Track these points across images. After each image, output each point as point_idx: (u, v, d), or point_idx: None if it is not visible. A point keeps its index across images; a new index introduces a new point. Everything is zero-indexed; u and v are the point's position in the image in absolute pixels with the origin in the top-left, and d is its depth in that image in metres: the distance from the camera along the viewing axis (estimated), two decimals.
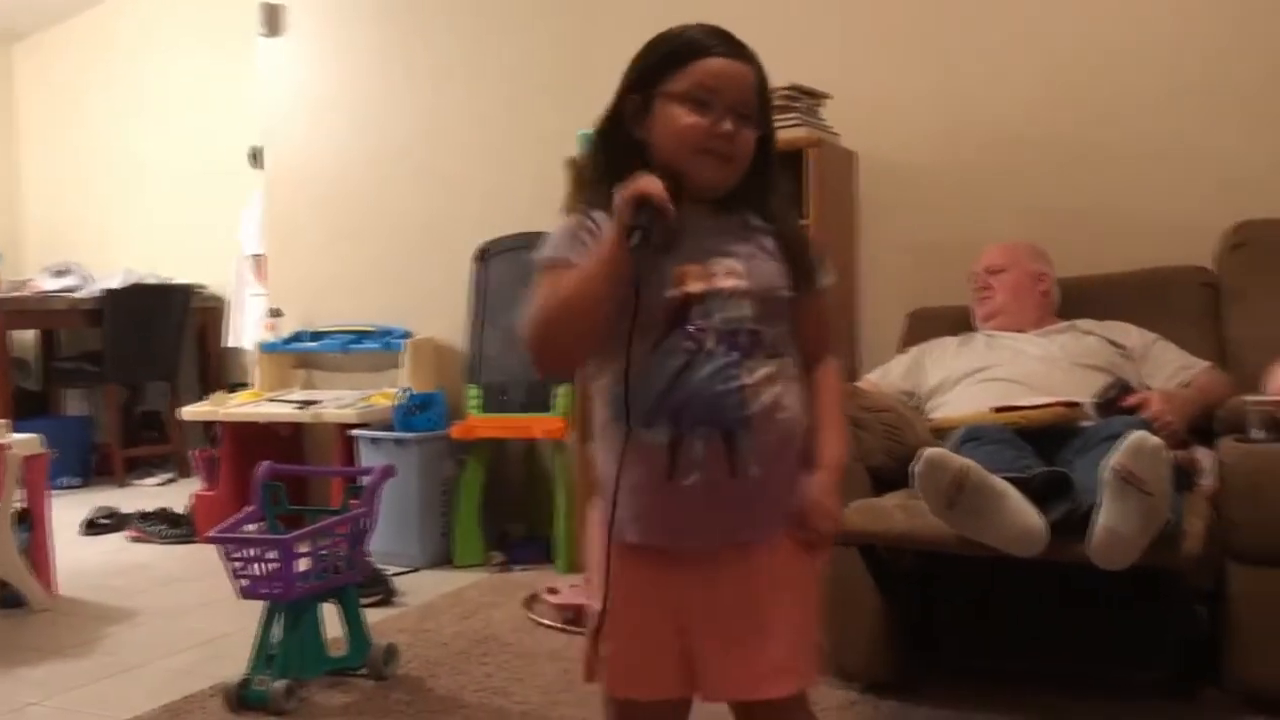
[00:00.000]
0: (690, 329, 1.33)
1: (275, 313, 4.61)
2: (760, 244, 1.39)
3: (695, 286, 1.33)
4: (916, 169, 3.46)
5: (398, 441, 3.79)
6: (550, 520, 3.73)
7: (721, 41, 1.39)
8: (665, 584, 1.39)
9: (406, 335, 4.24)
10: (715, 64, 1.37)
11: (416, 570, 3.72)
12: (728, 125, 1.35)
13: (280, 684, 2.39)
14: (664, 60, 1.39)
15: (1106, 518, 1.90)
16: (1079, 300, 2.97)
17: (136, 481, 5.83)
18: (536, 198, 3.80)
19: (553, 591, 3.10)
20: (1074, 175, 3.28)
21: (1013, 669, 2.47)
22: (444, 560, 3.81)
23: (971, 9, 3.43)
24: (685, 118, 1.36)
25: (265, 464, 2.67)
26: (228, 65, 5.86)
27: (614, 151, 1.41)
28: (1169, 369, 2.68)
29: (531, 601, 3.17)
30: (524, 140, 4.09)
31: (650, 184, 1.29)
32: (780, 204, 1.45)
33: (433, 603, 3.31)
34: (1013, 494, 1.98)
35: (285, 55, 4.66)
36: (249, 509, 2.60)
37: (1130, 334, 2.78)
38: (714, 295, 1.34)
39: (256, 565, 2.43)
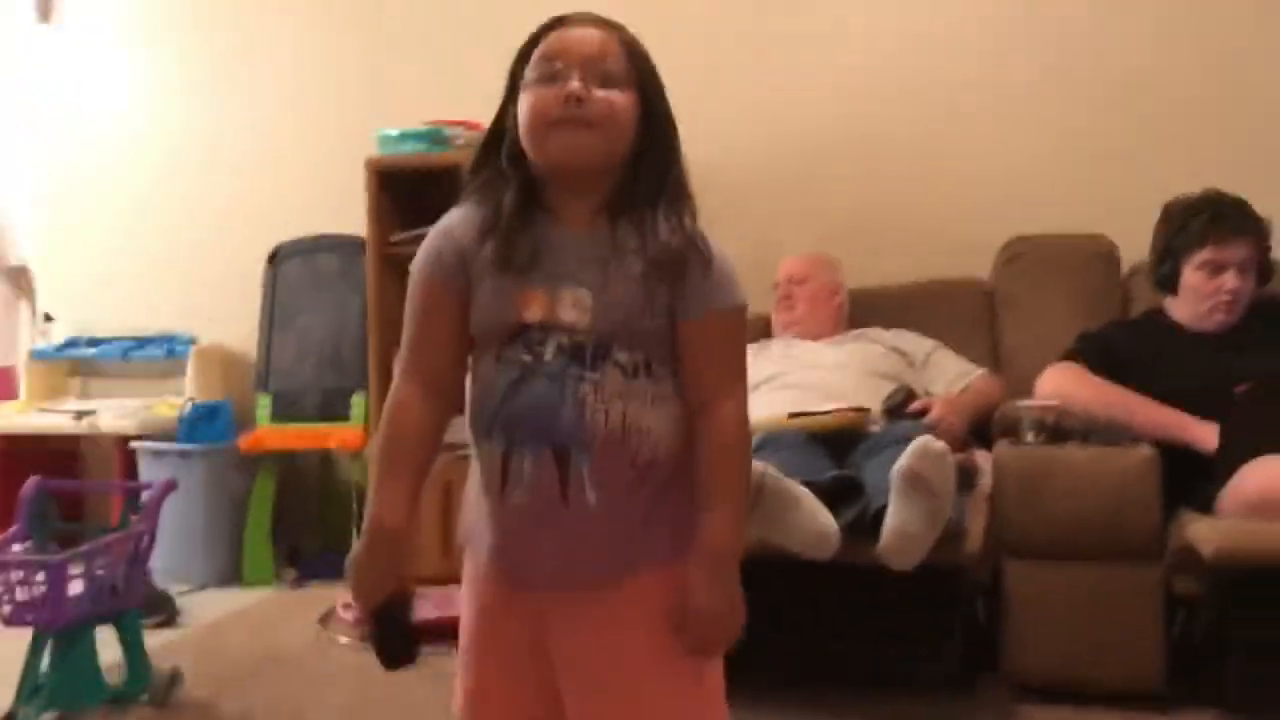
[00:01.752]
0: (529, 341, 1.23)
1: (47, 317, 4.31)
2: (624, 268, 1.23)
3: (533, 316, 1.22)
4: (717, 178, 3.50)
5: (182, 454, 3.60)
6: (348, 534, 3.62)
7: (574, 16, 1.28)
8: (522, 609, 1.28)
9: (192, 341, 4.04)
10: (562, 33, 1.26)
11: (204, 589, 3.54)
12: (575, 84, 1.21)
13: (49, 717, 2.23)
14: (521, 54, 1.29)
15: (896, 518, 1.98)
16: (868, 309, 3.09)
17: None
18: (333, 198, 3.71)
19: (348, 607, 3.00)
20: (866, 189, 3.42)
21: (806, 665, 2.54)
22: (233, 578, 3.64)
23: (771, 23, 3.52)
24: (533, 95, 1.24)
25: (33, 479, 2.49)
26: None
27: (492, 159, 1.29)
28: (949, 375, 2.83)
29: (327, 618, 3.06)
30: (318, 139, 3.95)
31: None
32: (668, 209, 1.26)
33: (220, 622, 3.16)
34: (808, 498, 2.04)
35: (57, 44, 4.36)
36: (13, 528, 2.42)
37: (912, 341, 2.93)
38: (553, 327, 1.22)
39: (21, 589, 2.27)
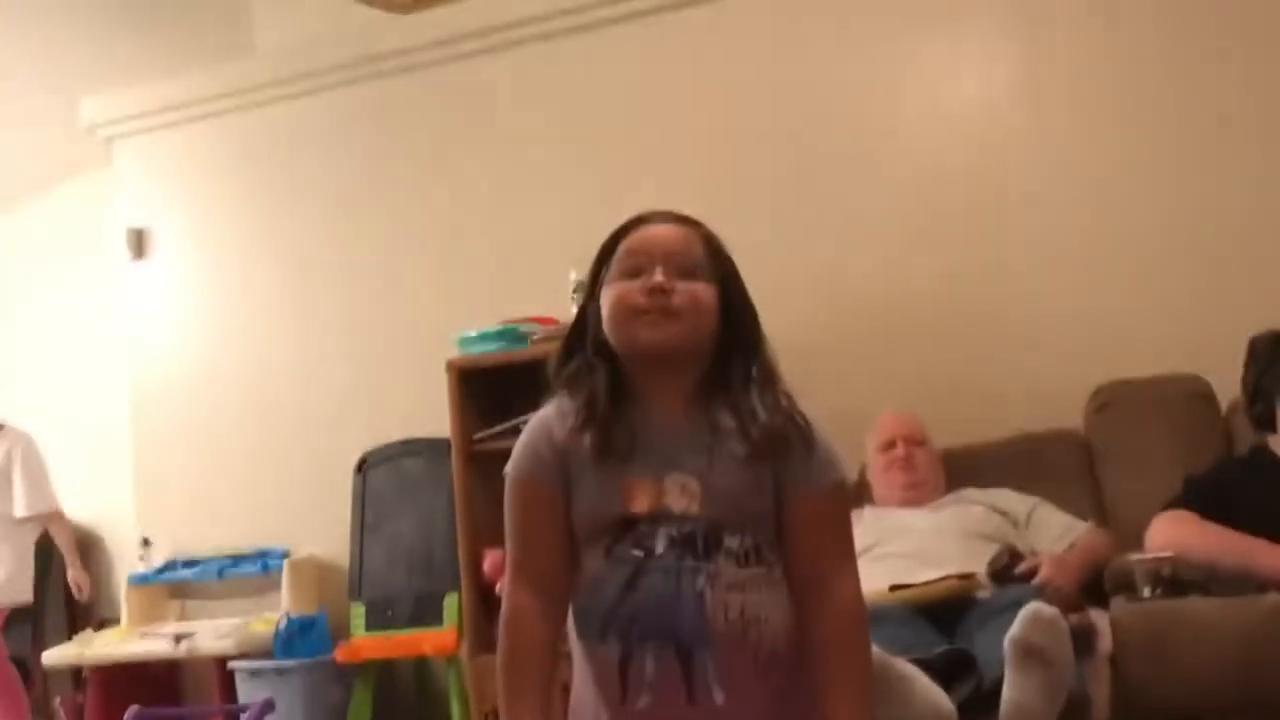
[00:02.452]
0: (639, 533, 1.21)
1: (145, 542, 4.39)
2: (728, 451, 1.23)
3: (641, 507, 1.21)
4: (793, 352, 3.50)
5: (279, 671, 3.58)
6: None
7: (653, 213, 1.34)
8: None
9: (285, 555, 4.07)
10: (643, 230, 1.30)
11: None
12: (659, 276, 1.24)
13: None
14: (602, 254, 1.33)
15: (1012, 691, 1.88)
16: (960, 471, 3.01)
17: None
18: (416, 403, 3.78)
19: None
20: (940, 345, 3.39)
21: None
22: None
23: (831, 185, 3.56)
24: (618, 289, 1.27)
25: (133, 709, 2.50)
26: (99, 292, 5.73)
27: (580, 351, 1.32)
28: (1054, 532, 2.72)
29: None
30: (399, 345, 4.05)
31: None
32: (762, 391, 1.27)
33: None
34: (919, 676, 1.94)
35: (151, 277, 4.59)
36: None
37: (1012, 500, 2.83)
38: (661, 518, 1.21)
39: None
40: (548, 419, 1.31)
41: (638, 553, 1.21)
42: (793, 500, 1.23)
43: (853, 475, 3.03)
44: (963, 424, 3.16)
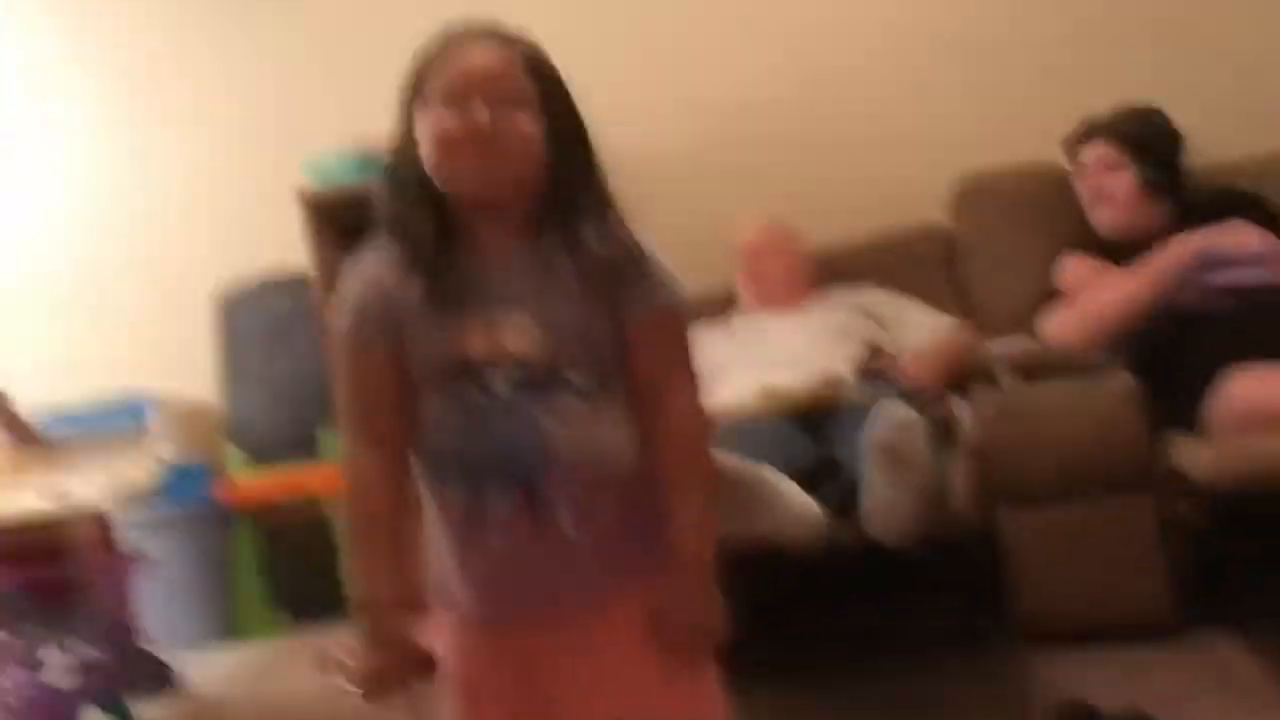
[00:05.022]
0: (476, 377, 1.18)
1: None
2: (561, 286, 1.20)
3: (476, 350, 1.18)
4: (653, 156, 3.43)
5: (163, 522, 3.52)
6: (335, 572, 3.54)
7: (467, 34, 1.23)
8: (511, 649, 1.24)
9: (152, 402, 3.95)
10: (459, 58, 1.21)
11: (202, 649, 3.48)
12: (479, 113, 1.16)
13: None
14: (416, 71, 1.24)
15: (873, 491, 1.92)
16: (826, 270, 3.00)
17: None
18: (275, 233, 3.60)
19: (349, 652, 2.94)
20: (806, 146, 3.33)
21: (810, 650, 2.49)
22: (230, 634, 3.57)
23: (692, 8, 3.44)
24: (440, 122, 1.18)
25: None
26: None
27: (402, 189, 1.23)
28: (921, 330, 2.75)
29: (326, 665, 3.00)
30: (248, 173, 3.85)
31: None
32: (593, 220, 1.22)
33: (220, 679, 3.11)
34: (786, 483, 1.98)
35: None
36: None
37: (880, 299, 2.85)
38: (499, 360, 1.18)
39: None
40: (372, 268, 1.25)
41: (478, 395, 1.18)
42: (628, 325, 1.21)
43: (719, 282, 3.03)
44: (829, 224, 3.14)
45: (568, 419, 1.17)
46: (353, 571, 1.25)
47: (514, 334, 1.18)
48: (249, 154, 3.83)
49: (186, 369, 3.92)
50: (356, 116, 3.38)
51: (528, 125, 1.19)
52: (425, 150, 1.20)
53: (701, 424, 1.25)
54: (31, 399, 4.14)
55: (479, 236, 1.22)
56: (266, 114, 3.80)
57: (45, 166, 4.13)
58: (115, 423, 3.98)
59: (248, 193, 3.80)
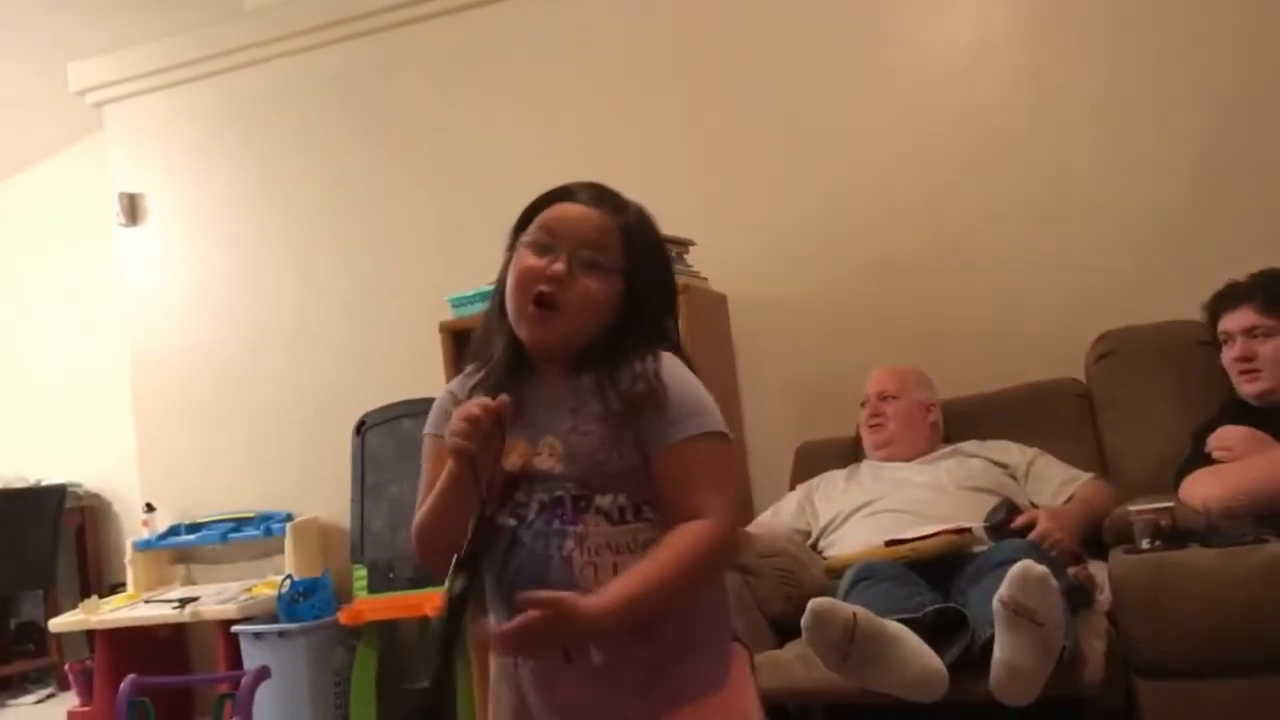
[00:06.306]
0: (515, 505, 1.25)
1: (148, 507, 4.40)
2: (588, 411, 1.27)
3: (512, 464, 1.23)
4: (786, 304, 3.47)
5: (282, 634, 3.59)
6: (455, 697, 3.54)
7: (582, 189, 1.34)
8: None
9: (288, 518, 4.07)
10: (562, 208, 1.31)
11: None
12: (559, 266, 1.27)
13: None
14: (526, 213, 1.36)
15: (1002, 653, 1.84)
16: (959, 423, 2.97)
17: (12, 701, 5.44)
18: (413, 365, 3.74)
19: None
20: (939, 298, 3.33)
21: None
22: None
23: (820, 143, 3.50)
24: (524, 261, 1.30)
25: (129, 679, 2.50)
26: (97, 258, 5.71)
27: (494, 317, 1.37)
28: (1053, 484, 2.68)
29: None
30: (395, 307, 4.03)
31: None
32: (634, 363, 1.28)
33: None
34: (907, 637, 1.91)
35: (147, 242, 4.55)
36: None
37: (1012, 452, 2.78)
38: (534, 480, 1.25)
39: None
40: (456, 383, 1.38)
41: (512, 521, 1.24)
42: (653, 457, 1.26)
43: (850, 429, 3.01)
44: (965, 375, 3.11)
45: (594, 544, 1.22)
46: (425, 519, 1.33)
47: (545, 453, 1.26)
48: (400, 286, 4.03)
49: (324, 490, 4.04)
50: (497, 257, 3.57)
51: (597, 288, 1.28)
52: (508, 285, 1.32)
53: (716, 534, 1.24)
54: (175, 510, 4.34)
55: (541, 367, 1.32)
56: (418, 249, 4.01)
57: (214, 303, 4.38)
58: (251, 536, 4.11)
59: (395, 324, 4.00)
